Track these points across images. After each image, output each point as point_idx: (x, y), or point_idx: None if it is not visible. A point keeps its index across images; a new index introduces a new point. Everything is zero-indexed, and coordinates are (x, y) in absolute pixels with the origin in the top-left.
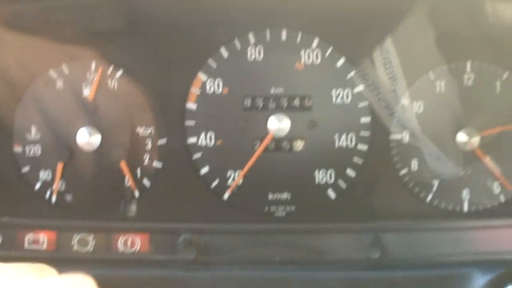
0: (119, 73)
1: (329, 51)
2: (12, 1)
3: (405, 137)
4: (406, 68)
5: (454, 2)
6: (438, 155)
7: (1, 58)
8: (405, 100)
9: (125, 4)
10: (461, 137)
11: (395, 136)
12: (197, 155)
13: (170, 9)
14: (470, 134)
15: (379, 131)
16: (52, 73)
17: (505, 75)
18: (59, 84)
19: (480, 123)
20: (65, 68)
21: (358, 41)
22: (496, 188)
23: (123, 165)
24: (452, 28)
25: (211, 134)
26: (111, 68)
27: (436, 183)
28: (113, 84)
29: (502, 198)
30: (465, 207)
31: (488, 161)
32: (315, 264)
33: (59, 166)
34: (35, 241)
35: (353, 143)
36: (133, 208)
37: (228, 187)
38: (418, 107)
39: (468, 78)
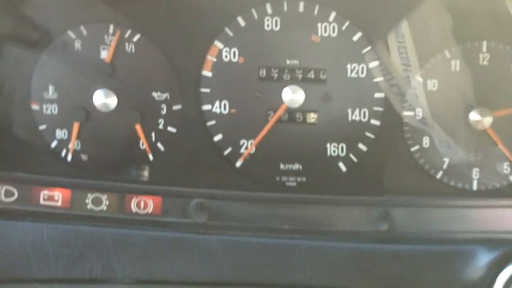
0: (136, 37)
1: (345, 25)
2: None
3: (419, 114)
4: (423, 46)
5: None
6: (451, 133)
7: (20, 18)
8: (419, 78)
9: None
10: (474, 116)
11: (408, 113)
12: (211, 122)
13: None
14: (483, 113)
15: (392, 107)
16: (70, 34)
17: None
18: (77, 45)
19: (494, 103)
20: (83, 30)
21: (375, 17)
22: (505, 168)
23: (138, 128)
24: (469, 8)
25: (225, 102)
26: (129, 32)
27: (446, 161)
28: (130, 47)
29: (511, 179)
30: (474, 186)
31: (499, 141)
32: (324, 234)
33: (75, 126)
34: (50, 198)
35: (366, 117)
36: (146, 170)
37: (241, 155)
38: (432, 84)
39: (484, 58)
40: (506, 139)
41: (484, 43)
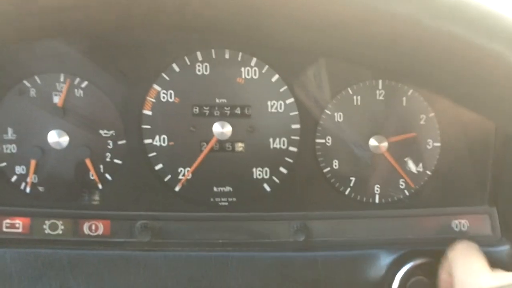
0: (84, 83)
1: (265, 68)
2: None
3: (328, 141)
4: (330, 84)
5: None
6: (355, 156)
7: None
8: (328, 111)
9: (91, 31)
10: (373, 142)
11: (320, 140)
12: (152, 154)
13: (130, 32)
14: (380, 140)
15: (306, 136)
16: (26, 83)
17: (410, 92)
18: (32, 92)
19: (389, 131)
20: (37, 79)
21: (290, 61)
22: (401, 184)
23: (88, 162)
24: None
25: (164, 136)
26: (77, 79)
27: (353, 179)
28: (79, 93)
29: (406, 193)
30: (377, 199)
31: (394, 162)
32: (252, 246)
33: (32, 163)
34: (12, 226)
35: (285, 145)
36: (96, 197)
37: (179, 181)
38: (338, 116)
39: (380, 94)
40: (400, 159)
41: (380, 81)
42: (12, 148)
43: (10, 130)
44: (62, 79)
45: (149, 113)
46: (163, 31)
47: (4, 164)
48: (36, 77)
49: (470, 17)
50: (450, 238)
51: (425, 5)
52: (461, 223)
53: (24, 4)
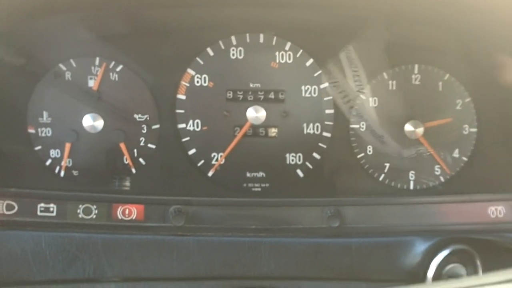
0: (119, 67)
1: (299, 53)
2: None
3: (363, 126)
4: (364, 69)
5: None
6: (390, 142)
7: (20, 51)
8: (363, 96)
9: (128, 14)
10: (408, 127)
11: (354, 126)
12: (186, 139)
13: (165, 16)
14: (415, 125)
15: (340, 121)
16: (62, 66)
17: (446, 76)
18: (68, 76)
19: (425, 116)
20: (72, 63)
21: (324, 45)
22: (436, 170)
23: (122, 146)
24: (403, 37)
25: (198, 121)
26: (112, 63)
27: (387, 165)
28: (114, 76)
29: (442, 179)
30: (411, 186)
31: (430, 148)
32: (285, 231)
33: (67, 146)
34: (46, 210)
35: (319, 130)
36: (129, 182)
37: (212, 166)
38: (373, 101)
39: (416, 78)
40: (436, 145)
41: (416, 66)
42: (47, 132)
43: (45, 114)
44: (97, 62)
45: (183, 97)
46: (198, 17)
47: (39, 147)
48: (72, 61)
49: None
50: (486, 224)
51: None
52: (497, 210)
53: None
